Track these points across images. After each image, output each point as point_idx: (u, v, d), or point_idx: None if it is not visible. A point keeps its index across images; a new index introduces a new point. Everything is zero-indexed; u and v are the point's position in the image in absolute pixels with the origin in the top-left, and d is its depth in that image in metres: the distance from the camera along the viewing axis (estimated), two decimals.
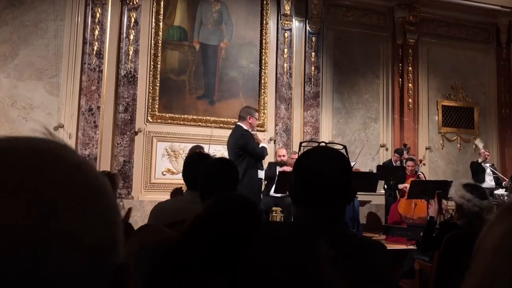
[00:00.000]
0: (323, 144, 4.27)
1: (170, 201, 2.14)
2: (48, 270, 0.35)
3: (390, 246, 5.56)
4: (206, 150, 5.93)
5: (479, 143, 7.68)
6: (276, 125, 6.92)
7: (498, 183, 6.97)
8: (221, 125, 6.68)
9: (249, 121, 4.58)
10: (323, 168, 1.17)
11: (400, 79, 7.81)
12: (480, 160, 7.16)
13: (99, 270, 0.39)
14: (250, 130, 4.58)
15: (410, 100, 7.78)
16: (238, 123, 4.64)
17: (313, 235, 1.11)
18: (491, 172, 7.05)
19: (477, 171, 6.96)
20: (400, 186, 6.28)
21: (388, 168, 6.66)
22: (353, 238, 1.19)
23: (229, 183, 1.77)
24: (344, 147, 3.90)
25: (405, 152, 7.04)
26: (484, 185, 6.75)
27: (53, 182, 0.38)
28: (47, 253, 0.35)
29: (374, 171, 6.69)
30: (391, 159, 7.05)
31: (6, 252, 0.34)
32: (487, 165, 7.11)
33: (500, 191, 6.53)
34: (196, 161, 2.11)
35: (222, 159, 1.91)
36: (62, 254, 0.36)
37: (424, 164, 7.22)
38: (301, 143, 4.01)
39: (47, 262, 0.35)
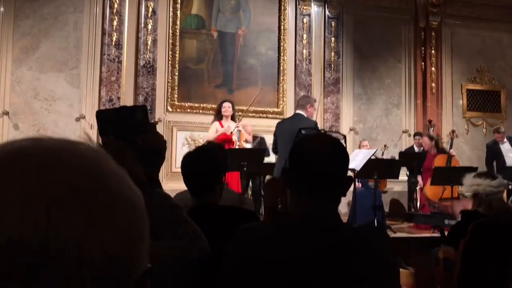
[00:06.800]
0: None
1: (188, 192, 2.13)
2: (46, 273, 0.34)
3: (417, 234, 5.47)
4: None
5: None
6: None
7: None
8: (240, 113, 6.65)
9: (308, 110, 4.52)
10: (319, 156, 1.13)
11: (423, 63, 7.61)
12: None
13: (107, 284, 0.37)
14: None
15: (433, 84, 7.58)
16: (298, 111, 4.57)
17: (306, 230, 1.08)
18: (508, 147, 6.63)
19: (493, 154, 6.61)
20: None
21: (410, 154, 6.52)
22: (348, 230, 1.16)
23: (210, 177, 1.67)
24: (344, 137, 3.81)
25: (430, 130, 6.81)
26: (508, 164, 6.43)
27: (68, 184, 0.36)
28: (43, 259, 0.34)
29: (397, 157, 6.57)
30: (412, 145, 6.89)
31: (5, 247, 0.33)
32: (504, 144, 6.69)
33: None
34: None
35: (198, 151, 1.79)
36: (62, 264, 0.34)
37: (456, 136, 6.56)
38: (300, 129, 3.90)
39: (45, 265, 0.34)
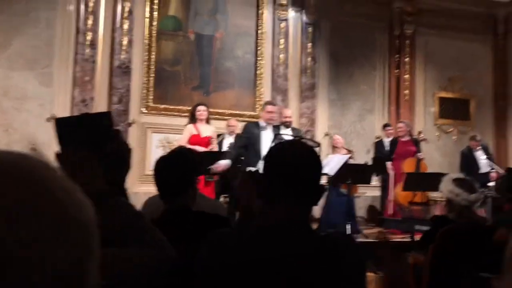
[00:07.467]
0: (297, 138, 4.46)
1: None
2: None
3: (389, 238, 5.53)
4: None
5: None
6: None
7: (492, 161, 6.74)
8: (216, 116, 6.62)
9: (262, 115, 4.92)
10: (295, 162, 1.14)
11: (397, 70, 7.77)
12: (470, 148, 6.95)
13: None
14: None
15: (406, 91, 7.74)
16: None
17: (278, 237, 1.09)
18: (481, 154, 6.79)
19: (468, 162, 6.77)
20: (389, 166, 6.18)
21: (382, 159, 6.58)
22: (318, 237, 1.17)
23: (183, 180, 1.67)
24: (318, 145, 3.91)
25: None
26: (482, 170, 6.60)
27: (15, 199, 0.36)
28: None
29: (370, 163, 6.65)
30: (381, 139, 6.93)
31: None
32: (478, 152, 6.86)
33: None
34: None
35: (171, 155, 1.80)
36: (10, 279, 0.34)
37: (425, 139, 6.51)
38: (276, 134, 4.05)
39: None
